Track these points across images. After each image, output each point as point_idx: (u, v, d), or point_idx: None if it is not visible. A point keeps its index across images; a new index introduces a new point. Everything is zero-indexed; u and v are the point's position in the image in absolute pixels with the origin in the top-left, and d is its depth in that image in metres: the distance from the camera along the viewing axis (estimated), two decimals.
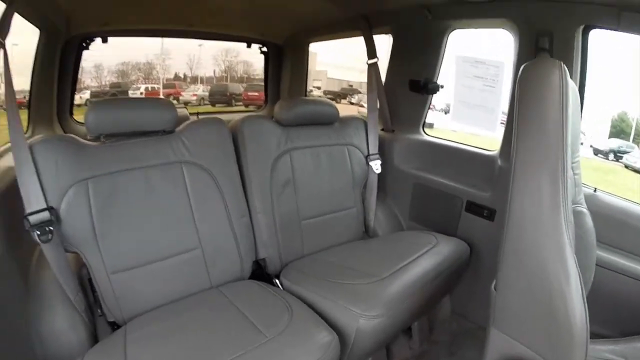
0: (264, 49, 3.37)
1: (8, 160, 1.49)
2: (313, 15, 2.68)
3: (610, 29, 1.61)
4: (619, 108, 4.47)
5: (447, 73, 2.27)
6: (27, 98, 2.19)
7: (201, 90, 9.79)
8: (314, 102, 2.28)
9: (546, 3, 1.68)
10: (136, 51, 9.12)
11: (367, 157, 2.25)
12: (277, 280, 1.82)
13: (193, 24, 2.77)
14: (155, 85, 9.52)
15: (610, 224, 1.65)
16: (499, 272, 1.09)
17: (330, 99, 5.75)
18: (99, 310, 1.51)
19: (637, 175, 4.26)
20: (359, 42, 2.49)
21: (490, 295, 1.15)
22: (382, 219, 2.33)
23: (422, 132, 2.47)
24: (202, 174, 1.67)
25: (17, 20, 1.47)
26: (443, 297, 2.08)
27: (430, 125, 2.61)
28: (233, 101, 9.04)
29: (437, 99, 2.47)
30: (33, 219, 1.30)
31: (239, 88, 9.31)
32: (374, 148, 2.28)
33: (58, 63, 2.35)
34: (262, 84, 3.66)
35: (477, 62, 2.01)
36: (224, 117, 1.95)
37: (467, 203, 2.08)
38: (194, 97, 9.47)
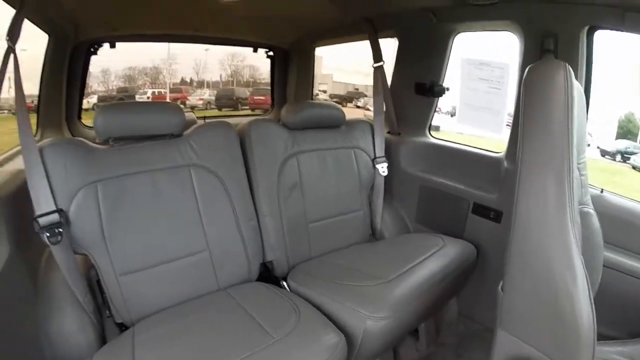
0: (270, 53, 3.39)
1: (18, 163, 1.51)
2: (319, 20, 2.70)
3: (615, 30, 1.61)
4: (625, 108, 4.44)
5: (453, 76, 2.28)
6: (34, 103, 2.22)
7: (208, 94, 9.84)
8: (320, 105, 2.29)
9: (550, 4, 1.68)
10: (143, 56, 9.19)
11: (374, 160, 2.26)
12: (284, 283, 1.83)
13: (200, 29, 2.79)
14: (162, 90, 9.58)
15: (617, 225, 1.64)
16: (506, 274, 1.09)
17: (336, 102, 5.76)
18: (107, 312, 1.52)
19: None
20: (364, 45, 2.50)
21: (497, 297, 1.15)
22: (388, 221, 2.33)
23: (428, 135, 2.47)
24: (209, 177, 1.68)
25: (25, 26, 1.49)
26: (450, 299, 2.08)
27: (437, 128, 2.61)
28: (239, 105, 9.08)
29: (443, 102, 2.47)
30: (42, 221, 1.31)
31: (245, 92, 9.35)
32: (380, 151, 2.28)
33: (66, 68, 2.38)
34: (268, 88, 3.68)
35: (482, 64, 2.01)
36: (230, 121, 1.96)
37: (474, 205, 2.08)
38: (201, 102, 9.51)
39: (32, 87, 2.19)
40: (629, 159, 4.42)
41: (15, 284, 1.24)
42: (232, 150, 1.79)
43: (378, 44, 2.42)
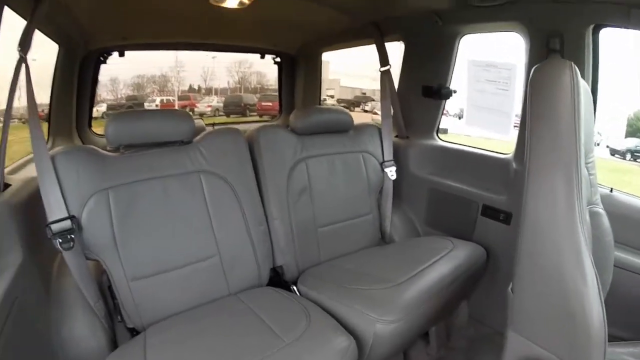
0: (278, 59, 3.42)
1: (30, 171, 1.53)
2: (325, 25, 2.71)
3: (621, 27, 1.61)
4: (634, 106, 4.38)
5: (460, 78, 2.28)
6: (44, 112, 2.25)
7: (215, 101, 9.91)
8: (328, 110, 2.30)
9: (555, 4, 1.68)
10: (151, 64, 9.28)
11: (382, 164, 2.26)
12: (294, 287, 1.83)
13: (208, 37, 2.82)
14: (171, 98, 9.66)
15: (628, 224, 1.62)
16: (515, 274, 1.08)
17: (343, 107, 5.78)
18: (118, 317, 1.53)
19: None
20: (371, 50, 2.51)
21: (507, 298, 1.15)
22: (398, 225, 2.33)
23: (436, 138, 2.47)
24: (219, 183, 1.69)
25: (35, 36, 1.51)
26: (460, 303, 2.06)
27: (445, 131, 2.61)
28: (247, 111, 9.13)
29: (450, 105, 2.47)
30: (55, 227, 1.33)
31: (253, 99, 9.41)
32: (388, 155, 2.28)
33: (77, 77, 2.41)
34: (276, 94, 3.70)
35: (489, 66, 2.01)
36: (239, 127, 1.97)
37: (483, 207, 2.07)
38: (209, 108, 9.58)
39: (42, 96, 2.22)
40: (639, 157, 4.36)
41: (28, 289, 1.25)
42: (241, 156, 1.81)
43: (384, 48, 2.43)
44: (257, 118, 9.07)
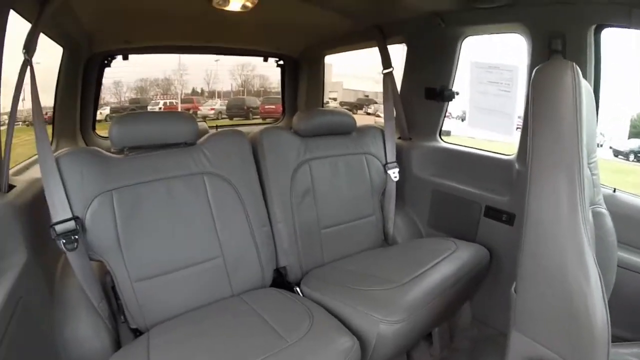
0: (281, 62, 3.43)
1: (34, 173, 1.54)
2: (327, 28, 2.72)
3: (622, 27, 1.61)
4: (638, 107, 4.36)
5: (462, 80, 2.28)
6: (48, 114, 2.26)
7: (219, 104, 9.95)
8: (331, 112, 2.30)
9: (556, 5, 1.68)
10: (154, 67, 9.33)
11: (385, 166, 2.26)
12: (297, 288, 1.83)
13: (211, 40, 2.83)
14: (174, 101, 9.70)
15: (631, 225, 1.62)
16: (519, 275, 1.08)
17: (346, 109, 5.79)
18: (122, 317, 1.54)
19: None
20: (374, 52, 2.51)
21: (510, 298, 1.15)
22: (401, 226, 2.33)
23: (439, 139, 2.47)
24: (223, 185, 1.69)
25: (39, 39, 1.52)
26: (463, 303, 2.07)
27: (448, 133, 2.61)
28: (250, 114, 9.15)
29: (453, 107, 2.48)
30: (59, 228, 1.34)
31: (255, 101, 9.44)
32: (391, 156, 2.28)
33: (81, 80, 2.42)
34: (279, 97, 3.72)
35: (491, 67, 2.01)
36: (242, 129, 1.98)
37: (486, 208, 2.07)
38: (212, 111, 9.61)
39: (46, 98, 2.23)
40: None
41: (32, 289, 1.26)
42: (244, 157, 1.81)
43: (387, 51, 2.44)
44: (260, 121, 9.09)
